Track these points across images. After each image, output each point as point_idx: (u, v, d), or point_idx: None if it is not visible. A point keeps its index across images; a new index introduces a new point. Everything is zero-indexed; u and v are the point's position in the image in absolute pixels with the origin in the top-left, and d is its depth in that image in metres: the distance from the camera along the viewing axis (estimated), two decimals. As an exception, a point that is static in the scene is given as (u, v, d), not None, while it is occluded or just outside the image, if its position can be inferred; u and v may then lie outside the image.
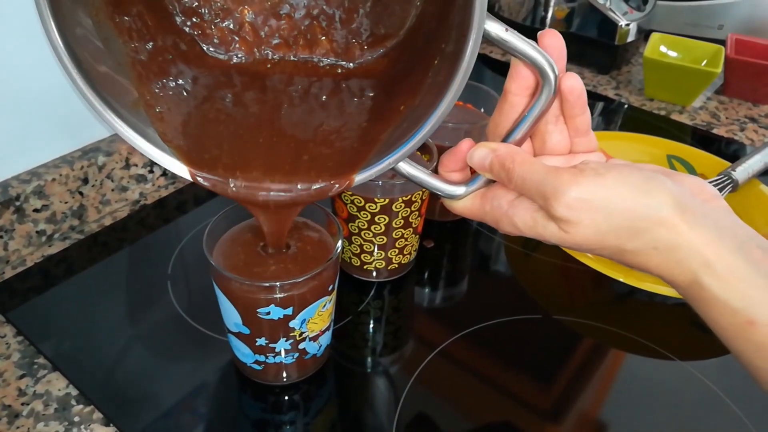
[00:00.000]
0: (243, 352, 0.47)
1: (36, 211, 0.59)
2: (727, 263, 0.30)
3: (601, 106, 0.94)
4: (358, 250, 0.57)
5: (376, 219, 0.54)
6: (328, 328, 0.49)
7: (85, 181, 0.63)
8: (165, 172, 0.70)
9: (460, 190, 0.37)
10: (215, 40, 0.39)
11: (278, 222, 0.42)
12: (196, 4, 0.38)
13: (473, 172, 0.37)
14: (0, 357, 0.51)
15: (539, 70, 0.32)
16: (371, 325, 0.56)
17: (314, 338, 0.47)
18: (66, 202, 0.62)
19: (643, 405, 0.50)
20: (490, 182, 0.36)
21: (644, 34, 1.00)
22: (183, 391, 0.49)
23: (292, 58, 0.40)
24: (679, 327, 0.58)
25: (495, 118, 0.36)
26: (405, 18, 0.39)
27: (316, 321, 0.46)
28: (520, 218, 0.34)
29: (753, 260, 0.30)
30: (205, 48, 0.39)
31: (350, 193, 0.53)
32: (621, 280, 0.56)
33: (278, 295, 0.43)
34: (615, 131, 0.87)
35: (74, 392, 0.48)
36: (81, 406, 0.47)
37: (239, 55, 0.40)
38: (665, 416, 0.49)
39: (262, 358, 0.47)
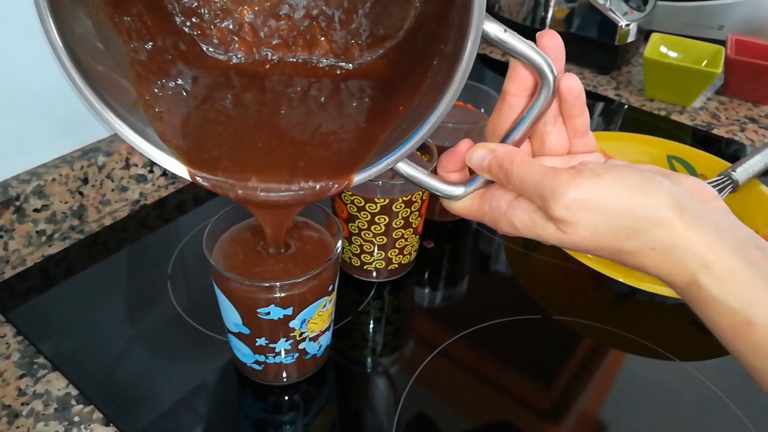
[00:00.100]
0: (243, 352, 0.47)
1: (36, 211, 0.60)
2: (726, 264, 0.30)
3: (602, 107, 0.94)
4: (358, 251, 0.57)
5: (376, 219, 0.54)
6: (328, 329, 0.49)
7: (85, 181, 0.63)
8: (165, 172, 0.71)
9: (458, 190, 0.37)
10: (215, 41, 0.39)
11: (277, 222, 0.42)
12: (196, 4, 0.38)
13: (472, 172, 0.37)
14: (0, 357, 0.51)
15: (538, 71, 0.33)
16: (371, 326, 0.56)
17: (314, 338, 0.47)
18: (66, 202, 0.62)
19: (643, 405, 0.50)
20: (489, 183, 0.36)
21: (644, 35, 1.00)
22: (183, 391, 0.49)
23: (291, 58, 0.40)
24: (679, 327, 0.58)
25: (494, 119, 0.36)
26: (404, 19, 0.39)
27: (316, 321, 0.46)
28: (518, 219, 0.34)
29: (752, 261, 0.30)
30: (204, 48, 0.40)
31: (350, 193, 0.53)
32: (621, 280, 0.56)
33: (278, 295, 0.43)
34: (615, 132, 0.87)
35: (74, 392, 0.48)
36: (81, 406, 0.47)
37: (239, 56, 0.40)
38: (665, 416, 0.49)
39: (262, 358, 0.47)
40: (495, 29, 0.31)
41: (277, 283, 0.42)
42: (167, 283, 0.58)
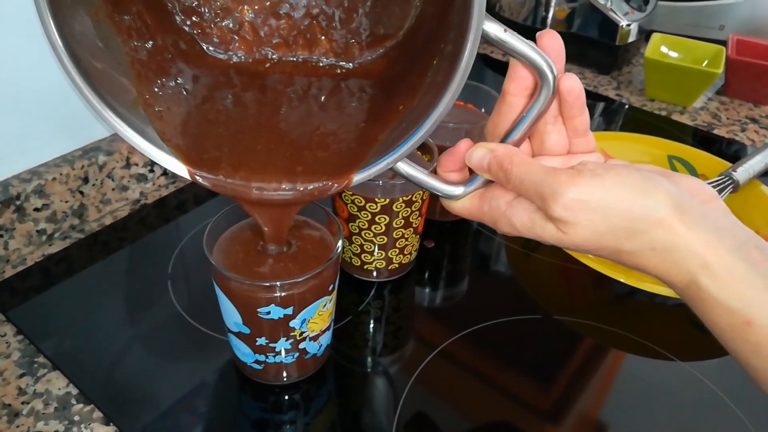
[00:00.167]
0: (243, 352, 0.48)
1: (36, 210, 0.60)
2: (726, 264, 0.30)
3: (602, 107, 0.94)
4: (359, 250, 0.57)
5: (376, 219, 0.54)
6: (328, 328, 0.49)
7: (86, 180, 0.63)
8: (165, 172, 0.71)
9: (458, 190, 0.37)
10: (215, 40, 0.39)
11: (276, 221, 0.42)
12: (196, 3, 0.38)
13: (472, 172, 0.37)
14: (0, 356, 0.51)
15: (538, 71, 0.33)
16: (371, 325, 0.56)
17: (314, 338, 0.47)
18: (66, 201, 0.62)
19: (643, 405, 0.50)
20: (489, 183, 0.36)
21: (645, 35, 1.00)
22: (183, 391, 0.49)
23: (291, 58, 0.40)
24: (679, 327, 0.58)
25: (493, 119, 0.36)
26: (404, 18, 0.39)
27: (317, 321, 0.46)
28: (518, 219, 0.34)
29: (751, 261, 0.30)
30: (204, 47, 0.40)
31: (351, 192, 0.53)
32: (621, 280, 0.56)
33: (278, 295, 0.43)
34: (616, 132, 0.87)
35: (74, 391, 0.48)
36: (81, 405, 0.47)
37: (239, 55, 0.40)
38: (665, 416, 0.49)
39: (262, 357, 0.47)
40: (495, 29, 0.31)
41: (278, 283, 0.42)
42: (167, 283, 0.58)
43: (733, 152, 0.85)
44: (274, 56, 0.40)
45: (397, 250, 0.58)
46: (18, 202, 0.58)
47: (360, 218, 0.54)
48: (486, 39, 0.31)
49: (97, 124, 0.64)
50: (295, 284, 0.43)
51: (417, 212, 0.56)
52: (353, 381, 0.52)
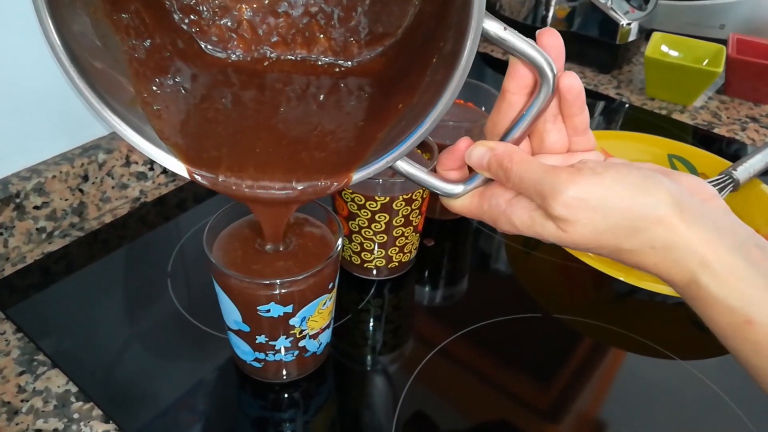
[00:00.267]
0: (243, 350, 0.47)
1: (36, 208, 0.60)
2: (726, 262, 0.30)
3: (602, 106, 0.94)
4: (359, 248, 0.57)
5: (376, 217, 0.54)
6: (328, 326, 0.49)
7: (86, 178, 0.63)
8: (165, 170, 0.70)
9: (458, 188, 0.37)
10: (213, 38, 0.39)
11: (275, 219, 0.42)
12: (194, 1, 0.38)
13: (471, 170, 0.36)
14: (0, 353, 0.51)
15: (538, 69, 0.32)
16: (371, 324, 0.56)
17: (314, 336, 0.47)
18: (66, 200, 0.62)
19: (643, 405, 0.50)
20: (489, 181, 0.36)
21: (645, 34, 1.00)
22: (183, 389, 0.49)
23: (290, 56, 0.40)
24: (679, 326, 0.57)
25: (493, 117, 0.36)
26: (403, 17, 0.39)
27: (316, 319, 0.46)
28: (518, 217, 0.34)
29: (752, 260, 0.30)
30: (203, 46, 0.39)
31: (351, 191, 0.53)
32: (621, 279, 0.56)
33: (278, 293, 0.43)
34: (616, 130, 0.87)
35: (74, 389, 0.48)
36: (80, 403, 0.47)
37: (237, 53, 0.40)
38: (665, 416, 0.49)
39: (261, 355, 0.47)
40: (495, 27, 0.31)
41: (278, 281, 0.42)
42: (167, 281, 0.58)
43: (733, 151, 0.85)
44: (272, 55, 0.40)
45: (397, 249, 0.58)
46: (18, 200, 0.58)
47: (360, 216, 0.54)
48: (486, 37, 0.31)
49: (97, 124, 0.64)
50: (295, 282, 0.43)
51: (417, 210, 0.56)
52: (353, 379, 0.51)
